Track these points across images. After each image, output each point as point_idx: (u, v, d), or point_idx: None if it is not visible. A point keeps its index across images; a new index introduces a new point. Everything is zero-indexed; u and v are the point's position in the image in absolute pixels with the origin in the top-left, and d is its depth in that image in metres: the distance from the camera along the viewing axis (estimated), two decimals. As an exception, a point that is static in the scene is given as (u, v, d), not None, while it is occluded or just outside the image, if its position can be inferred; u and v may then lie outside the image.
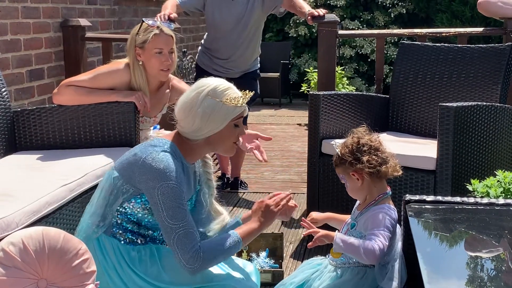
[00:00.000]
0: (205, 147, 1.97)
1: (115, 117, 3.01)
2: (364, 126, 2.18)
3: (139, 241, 1.97)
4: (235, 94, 1.93)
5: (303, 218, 2.20)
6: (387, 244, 2.02)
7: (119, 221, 1.94)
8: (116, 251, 1.92)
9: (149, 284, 1.89)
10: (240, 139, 2.49)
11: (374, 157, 2.08)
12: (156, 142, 1.92)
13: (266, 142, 2.52)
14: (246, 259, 2.63)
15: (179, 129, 1.96)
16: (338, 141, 2.22)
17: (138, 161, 1.86)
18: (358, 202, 2.24)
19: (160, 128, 3.38)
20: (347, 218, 2.25)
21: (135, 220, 1.94)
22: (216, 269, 1.99)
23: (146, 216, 1.94)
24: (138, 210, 1.92)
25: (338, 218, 2.28)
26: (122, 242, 1.94)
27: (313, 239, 2.10)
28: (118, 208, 1.93)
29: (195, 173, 2.05)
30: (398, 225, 2.09)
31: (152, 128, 3.25)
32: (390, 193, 2.16)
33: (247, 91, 1.96)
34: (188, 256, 1.81)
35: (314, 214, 2.26)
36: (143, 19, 2.96)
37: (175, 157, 1.89)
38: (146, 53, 2.91)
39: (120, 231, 1.95)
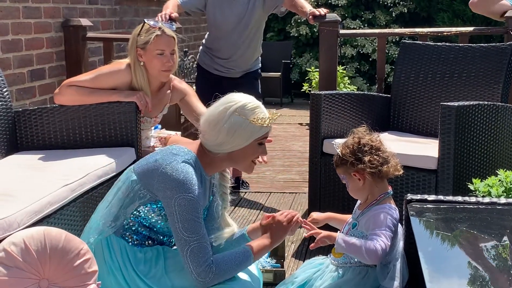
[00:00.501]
0: (225, 162, 1.98)
1: (117, 117, 3.01)
2: (364, 126, 2.17)
3: (146, 244, 1.97)
4: (262, 114, 1.93)
5: (304, 220, 2.18)
6: (389, 243, 2.01)
7: (131, 223, 1.94)
8: (123, 252, 1.92)
9: (149, 287, 1.89)
10: None
11: (375, 157, 2.08)
12: (178, 150, 1.92)
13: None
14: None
15: (202, 140, 1.96)
16: (339, 141, 2.22)
17: (158, 169, 1.86)
18: (359, 201, 2.23)
19: (161, 128, 3.38)
20: (347, 218, 2.25)
21: (147, 224, 1.95)
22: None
23: (159, 222, 1.94)
24: (152, 215, 1.92)
25: (339, 218, 2.28)
26: (130, 243, 1.94)
27: (316, 240, 2.10)
28: (133, 211, 1.93)
29: (211, 184, 2.06)
30: (399, 225, 2.09)
31: (153, 128, 3.25)
32: (392, 192, 2.16)
33: (275, 110, 1.97)
34: (201, 269, 1.82)
35: (315, 215, 2.26)
36: (145, 19, 2.96)
37: (195, 168, 1.89)
38: (147, 54, 2.91)
39: (130, 233, 1.95)
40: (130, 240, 1.94)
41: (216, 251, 2.02)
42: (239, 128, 1.89)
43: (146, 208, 1.91)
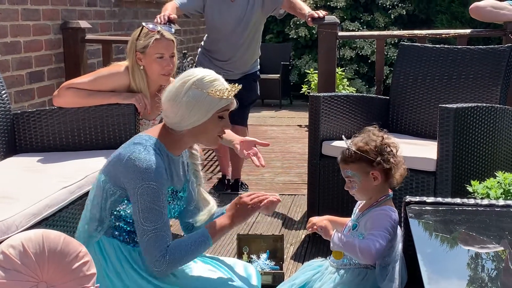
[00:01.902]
0: (189, 139, 1.96)
1: (115, 119, 3.01)
2: (375, 126, 2.16)
3: (136, 242, 1.96)
4: (221, 86, 1.91)
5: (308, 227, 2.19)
6: (385, 244, 2.01)
7: (117, 224, 1.94)
8: (117, 251, 1.92)
9: (150, 284, 1.89)
10: (238, 146, 2.49)
11: (399, 159, 2.08)
12: (139, 139, 1.91)
13: (265, 147, 2.53)
14: (247, 261, 2.63)
15: (165, 119, 1.95)
16: (345, 139, 2.19)
17: (121, 161, 1.86)
18: (358, 203, 2.23)
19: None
20: (346, 221, 2.24)
21: (130, 221, 1.94)
22: (217, 273, 1.98)
23: None
24: (130, 211, 1.92)
25: (338, 221, 2.28)
26: (123, 242, 1.94)
27: (315, 226, 2.10)
28: (113, 211, 1.93)
29: (184, 164, 2.05)
30: (398, 227, 2.09)
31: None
32: (392, 195, 2.17)
33: (236, 84, 1.94)
34: (155, 259, 1.82)
35: (314, 219, 2.25)
36: (143, 23, 2.96)
37: (159, 153, 1.88)
38: (147, 58, 2.91)
39: (120, 232, 1.95)
40: (122, 238, 1.94)
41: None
42: (198, 101, 1.88)
43: (123, 206, 1.91)
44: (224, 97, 1.89)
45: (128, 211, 1.92)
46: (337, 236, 2.06)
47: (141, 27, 2.94)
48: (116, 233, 1.94)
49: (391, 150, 2.10)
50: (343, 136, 2.23)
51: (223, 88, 1.90)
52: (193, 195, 2.08)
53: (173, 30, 3.03)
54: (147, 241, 1.83)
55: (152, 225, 1.82)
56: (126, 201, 1.91)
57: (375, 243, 2.00)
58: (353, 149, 2.10)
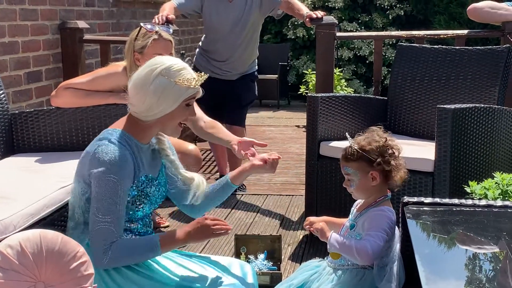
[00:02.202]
0: (155, 127, 1.95)
1: (113, 119, 2.96)
2: (380, 126, 2.16)
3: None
4: (189, 75, 1.89)
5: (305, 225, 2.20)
6: (382, 245, 2.01)
7: None
8: None
9: (146, 278, 1.89)
10: (235, 146, 2.49)
11: (400, 161, 2.08)
12: (103, 134, 1.91)
13: (262, 147, 2.53)
14: (244, 261, 2.63)
15: (131, 108, 1.94)
16: (349, 136, 2.19)
17: (87, 158, 1.87)
18: (356, 202, 2.23)
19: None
20: (344, 221, 2.25)
21: None
22: (214, 273, 1.98)
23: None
24: None
25: (335, 221, 2.28)
26: None
27: (312, 226, 2.11)
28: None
29: (155, 150, 2.04)
30: (396, 227, 2.09)
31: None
32: (390, 196, 2.17)
33: (202, 73, 1.93)
34: (99, 251, 1.83)
35: (312, 219, 2.25)
36: (141, 24, 2.96)
37: (125, 144, 1.88)
38: (145, 58, 2.90)
39: None
40: None
41: (204, 206, 2.08)
42: (165, 90, 1.86)
43: None
44: (191, 86, 1.88)
45: None
46: (334, 237, 2.06)
47: (139, 28, 2.94)
48: None
49: (393, 153, 2.10)
50: (346, 133, 2.22)
51: (191, 78, 1.89)
52: (175, 179, 2.07)
53: (171, 30, 3.03)
54: (95, 232, 1.83)
55: (104, 217, 1.82)
56: None
57: (372, 243, 2.00)
58: (356, 147, 2.10)
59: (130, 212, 1.93)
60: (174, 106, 1.89)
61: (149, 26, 2.93)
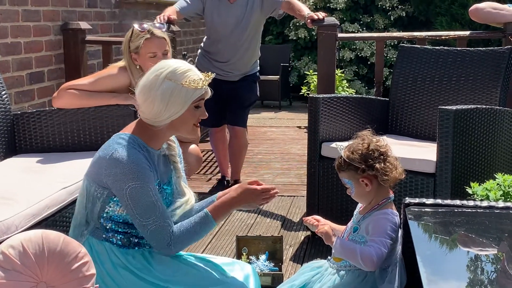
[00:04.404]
0: (167, 131, 1.95)
1: (115, 120, 3.01)
2: (369, 130, 2.16)
3: (132, 241, 1.96)
4: (195, 76, 1.88)
5: (305, 218, 2.21)
6: (387, 251, 2.01)
7: (108, 226, 1.94)
8: (110, 254, 1.91)
9: (149, 283, 1.89)
10: None
11: (387, 164, 2.07)
12: (115, 138, 1.91)
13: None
14: (246, 262, 2.63)
15: (141, 115, 1.93)
16: (341, 144, 2.19)
17: (102, 163, 1.86)
18: (359, 205, 2.23)
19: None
20: (343, 228, 2.25)
21: (121, 221, 1.94)
22: (215, 273, 1.98)
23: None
24: (120, 211, 1.91)
25: (336, 228, 2.29)
26: (115, 245, 1.93)
27: (318, 229, 2.10)
28: (102, 214, 1.92)
29: (166, 156, 2.04)
30: (399, 229, 2.09)
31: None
32: (393, 197, 2.17)
33: (209, 73, 1.92)
34: (161, 247, 1.86)
35: (316, 218, 2.26)
36: (134, 24, 2.96)
37: (137, 149, 1.87)
38: (141, 57, 2.93)
39: (112, 234, 1.94)
40: (115, 240, 1.93)
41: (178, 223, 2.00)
42: (173, 93, 1.86)
43: (111, 206, 1.90)
44: (198, 87, 1.87)
45: (116, 211, 1.91)
46: (339, 243, 2.06)
47: (132, 28, 2.96)
48: (108, 235, 1.94)
49: (379, 155, 2.08)
50: (335, 143, 2.23)
51: (197, 79, 1.88)
52: (178, 190, 2.07)
53: (164, 26, 3.03)
54: (149, 234, 1.85)
55: (150, 219, 1.83)
56: (114, 200, 1.90)
57: (377, 250, 2.00)
58: (342, 156, 2.12)
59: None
60: (184, 109, 1.88)
61: (139, 27, 2.93)
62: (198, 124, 1.98)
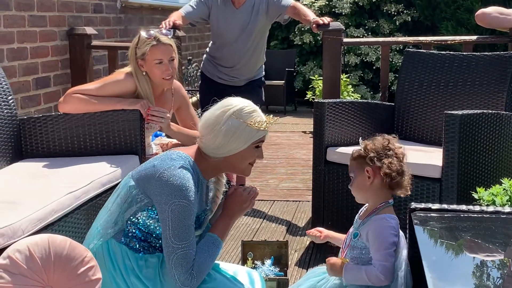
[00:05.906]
0: (223, 166, 1.99)
1: (121, 125, 3.02)
2: (395, 136, 2.19)
3: (148, 250, 1.97)
4: (259, 118, 1.96)
5: (307, 231, 2.22)
6: (393, 261, 2.02)
7: (130, 229, 1.94)
8: (125, 257, 1.92)
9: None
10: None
11: (396, 163, 2.09)
12: (176, 155, 1.92)
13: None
14: (251, 267, 2.63)
15: (200, 144, 1.97)
16: (361, 140, 2.24)
17: (155, 174, 1.87)
18: (359, 211, 2.23)
19: (164, 136, 3.39)
20: (344, 237, 2.25)
21: (146, 230, 1.94)
22: (221, 279, 1.98)
23: (157, 228, 1.93)
24: (150, 222, 1.92)
25: (337, 237, 2.30)
26: (131, 250, 1.94)
27: (326, 261, 2.14)
28: (131, 217, 1.93)
29: (208, 189, 2.06)
30: (402, 233, 2.08)
31: (151, 135, 3.26)
32: (392, 202, 2.16)
33: (271, 115, 1.98)
34: (184, 277, 1.83)
35: (320, 229, 2.29)
36: (140, 31, 2.98)
37: (192, 173, 1.90)
38: (147, 64, 2.94)
39: (131, 239, 1.95)
40: (132, 245, 1.94)
41: None
42: (237, 131, 1.91)
43: (144, 214, 1.91)
44: (261, 128, 1.94)
45: (147, 221, 1.92)
46: (348, 276, 2.07)
47: (138, 35, 2.97)
48: (128, 239, 1.94)
49: (394, 156, 2.10)
50: (360, 138, 2.26)
51: (262, 120, 1.96)
52: (204, 225, 2.08)
53: (171, 33, 3.04)
54: (175, 259, 1.83)
55: (182, 243, 1.83)
56: (148, 210, 1.91)
57: (382, 268, 2.00)
58: (361, 146, 2.14)
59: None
60: (244, 147, 1.94)
61: (146, 34, 2.94)
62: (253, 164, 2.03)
